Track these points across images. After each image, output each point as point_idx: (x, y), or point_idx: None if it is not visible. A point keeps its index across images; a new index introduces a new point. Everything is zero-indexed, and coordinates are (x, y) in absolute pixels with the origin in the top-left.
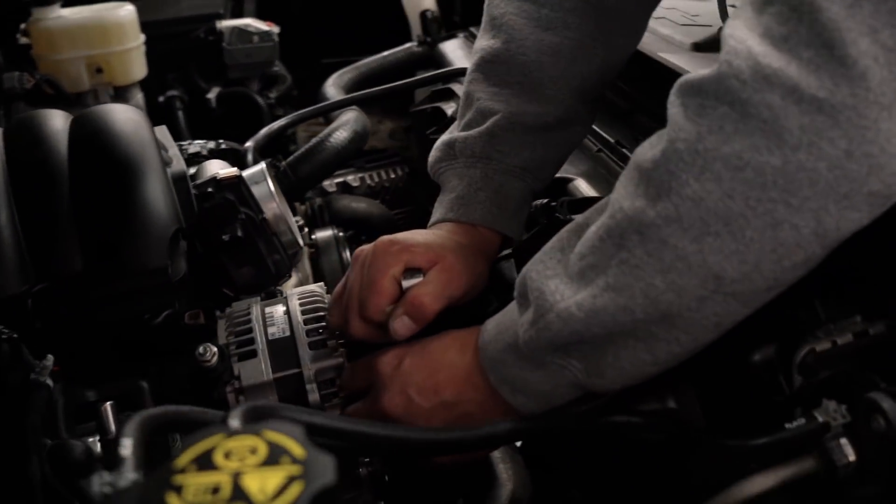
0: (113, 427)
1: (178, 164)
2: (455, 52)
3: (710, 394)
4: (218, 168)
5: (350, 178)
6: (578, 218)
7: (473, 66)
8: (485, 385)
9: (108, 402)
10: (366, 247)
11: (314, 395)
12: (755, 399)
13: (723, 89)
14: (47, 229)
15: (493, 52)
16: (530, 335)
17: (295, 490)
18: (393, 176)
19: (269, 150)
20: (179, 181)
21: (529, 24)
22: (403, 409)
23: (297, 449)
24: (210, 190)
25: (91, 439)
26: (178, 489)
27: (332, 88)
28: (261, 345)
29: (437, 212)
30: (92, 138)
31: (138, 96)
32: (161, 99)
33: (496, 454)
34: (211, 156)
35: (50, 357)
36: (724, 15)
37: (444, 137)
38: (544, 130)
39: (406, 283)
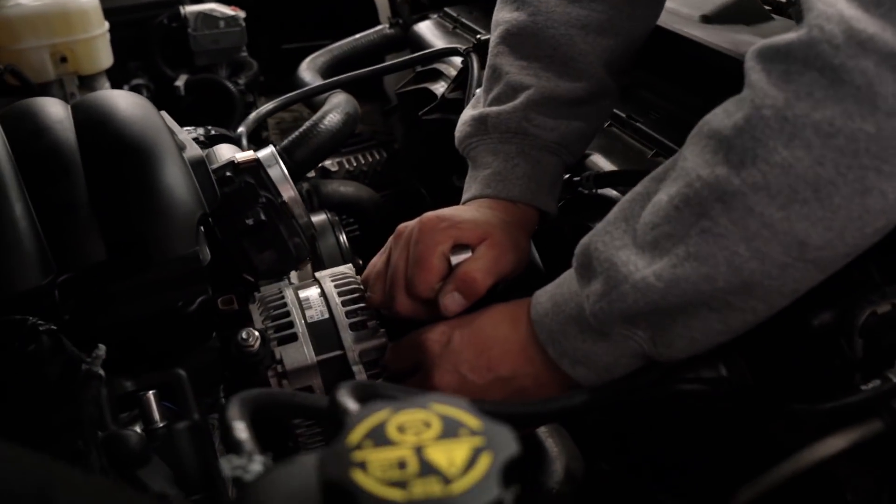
0: (157, 416)
1: (193, 148)
2: (432, 33)
3: (761, 359)
4: (229, 152)
5: (328, 162)
6: (637, 188)
7: (498, 38)
8: (541, 358)
9: (151, 392)
10: (409, 223)
11: (361, 377)
12: (811, 363)
13: (813, 54)
14: (66, 219)
15: (520, 25)
16: (601, 307)
17: (485, 461)
18: (371, 159)
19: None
20: (198, 165)
21: None
22: (456, 388)
23: (472, 420)
24: (229, 174)
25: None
26: (362, 465)
27: (308, 73)
28: (301, 328)
29: (472, 188)
30: (102, 124)
31: (105, 85)
32: (126, 88)
33: (542, 429)
34: (210, 142)
35: (102, 347)
36: None
37: (473, 112)
38: (577, 105)
39: (455, 260)
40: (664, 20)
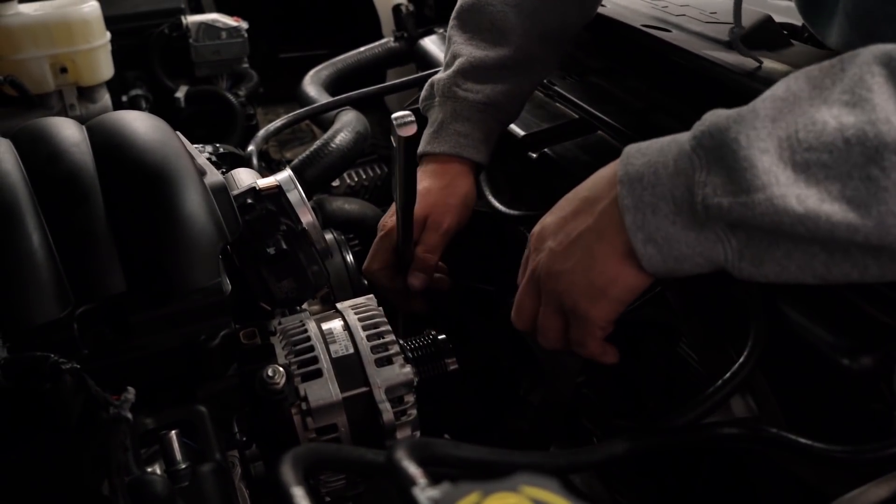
0: (179, 457)
1: (214, 174)
2: (439, 48)
3: (797, 401)
4: (248, 177)
5: None
6: (790, 85)
7: (454, 13)
8: (614, 218)
9: (173, 431)
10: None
11: (388, 415)
12: (849, 407)
13: None
14: (84, 248)
15: (469, 3)
16: (719, 202)
17: None
18: (371, 174)
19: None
20: (220, 192)
21: None
22: (554, 224)
23: None
24: (250, 201)
25: (150, 469)
26: None
27: (313, 87)
28: (325, 364)
29: (420, 145)
30: (121, 148)
31: (105, 97)
32: (125, 99)
33: None
34: (220, 161)
35: (131, 390)
36: (738, 19)
37: (431, 79)
38: (503, 69)
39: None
40: (691, 45)
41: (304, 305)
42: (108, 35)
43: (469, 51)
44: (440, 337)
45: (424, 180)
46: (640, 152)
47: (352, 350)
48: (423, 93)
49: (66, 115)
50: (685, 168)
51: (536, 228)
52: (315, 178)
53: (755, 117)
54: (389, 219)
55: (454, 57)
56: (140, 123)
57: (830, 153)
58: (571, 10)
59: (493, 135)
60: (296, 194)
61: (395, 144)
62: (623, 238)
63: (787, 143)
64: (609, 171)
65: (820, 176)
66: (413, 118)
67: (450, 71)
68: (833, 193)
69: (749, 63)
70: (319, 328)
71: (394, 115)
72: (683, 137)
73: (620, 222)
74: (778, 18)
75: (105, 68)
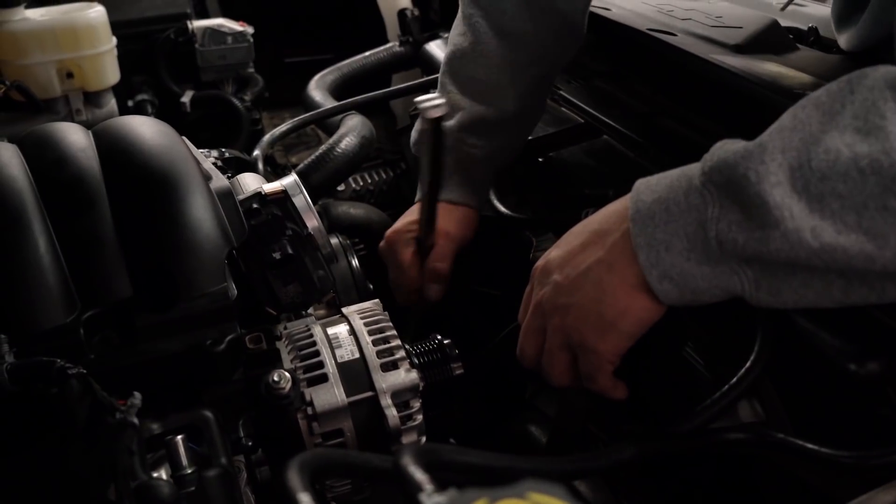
0: (185, 462)
1: (219, 179)
2: (443, 53)
3: (804, 406)
4: (254, 182)
5: None
6: (797, 114)
7: (447, 57)
8: (627, 257)
9: (179, 436)
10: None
11: (394, 420)
12: (856, 412)
13: None
14: (91, 253)
15: (462, 51)
16: (734, 237)
17: None
18: (377, 178)
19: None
20: (226, 197)
21: (492, 31)
22: (559, 255)
23: None
24: (256, 206)
25: (156, 474)
26: None
27: (318, 92)
28: (331, 368)
29: (420, 190)
30: (126, 153)
31: (111, 102)
32: (131, 103)
33: None
34: (226, 165)
35: (138, 395)
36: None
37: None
38: (502, 122)
39: None
40: (697, 49)
41: (310, 310)
42: (114, 40)
43: (468, 104)
44: (446, 341)
45: None
46: (650, 188)
47: (357, 355)
48: (416, 135)
49: (73, 120)
50: (697, 204)
51: (540, 263)
52: (320, 183)
53: (763, 151)
54: (404, 231)
55: (453, 108)
56: (146, 128)
57: (845, 183)
58: (564, 50)
59: (489, 183)
60: (301, 199)
61: (421, 127)
62: (635, 270)
63: (799, 173)
64: (619, 205)
65: (835, 206)
66: (440, 100)
67: (450, 124)
68: (849, 224)
69: (755, 67)
70: (325, 333)
71: (418, 99)
72: (693, 171)
73: (632, 256)
74: (783, 23)
75: (111, 73)
